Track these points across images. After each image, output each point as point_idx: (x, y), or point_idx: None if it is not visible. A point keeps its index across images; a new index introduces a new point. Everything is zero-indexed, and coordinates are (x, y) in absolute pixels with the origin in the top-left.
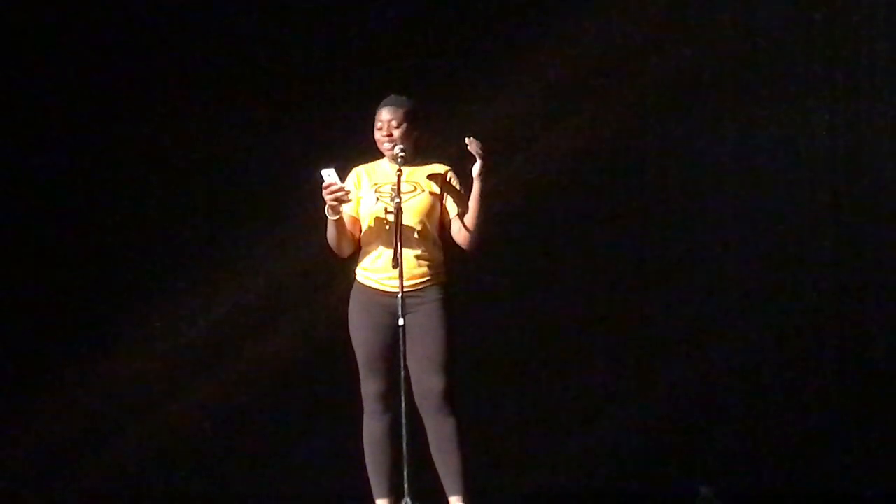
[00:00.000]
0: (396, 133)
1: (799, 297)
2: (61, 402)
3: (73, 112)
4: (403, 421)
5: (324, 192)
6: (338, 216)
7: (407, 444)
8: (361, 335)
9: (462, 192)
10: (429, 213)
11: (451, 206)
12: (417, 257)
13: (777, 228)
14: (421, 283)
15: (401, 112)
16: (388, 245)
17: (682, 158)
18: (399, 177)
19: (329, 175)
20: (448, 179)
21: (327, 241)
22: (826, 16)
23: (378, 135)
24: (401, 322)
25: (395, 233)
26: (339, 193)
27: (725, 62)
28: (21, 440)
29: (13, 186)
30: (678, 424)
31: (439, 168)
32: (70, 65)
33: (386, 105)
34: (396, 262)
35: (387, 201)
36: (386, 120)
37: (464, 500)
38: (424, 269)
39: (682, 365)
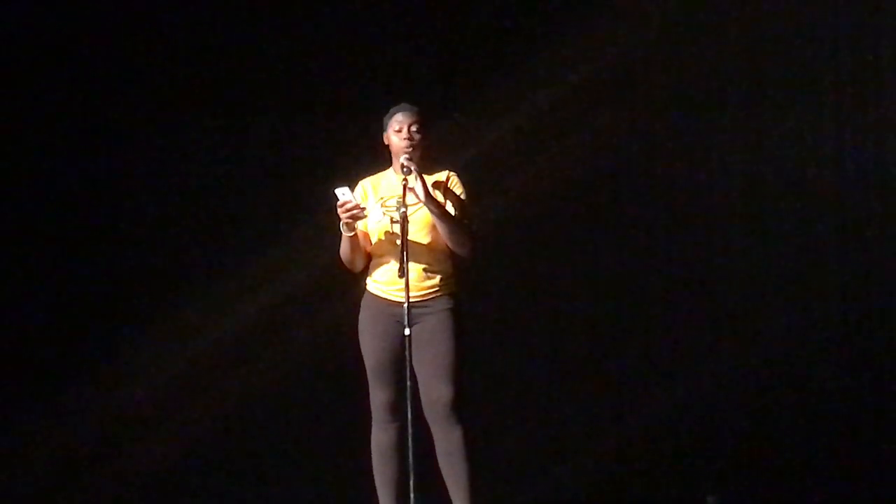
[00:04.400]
0: (417, 137)
1: (806, 307)
2: (68, 413)
3: (78, 123)
4: (410, 430)
5: (339, 210)
6: (353, 232)
7: (414, 454)
8: (370, 345)
9: (462, 196)
10: (435, 225)
11: (450, 211)
12: (426, 269)
13: (784, 238)
14: (430, 293)
15: (418, 116)
16: (396, 256)
17: (689, 169)
18: (405, 186)
19: (343, 194)
20: (449, 185)
21: (339, 256)
22: (834, 24)
23: (396, 138)
24: (407, 331)
25: (400, 243)
26: (354, 211)
27: (734, 71)
28: (27, 450)
29: (20, 195)
30: (685, 433)
31: (443, 176)
32: (81, 74)
33: (401, 110)
34: (402, 272)
35: (393, 213)
36: (406, 122)
37: None
38: (433, 280)
39: (690, 374)
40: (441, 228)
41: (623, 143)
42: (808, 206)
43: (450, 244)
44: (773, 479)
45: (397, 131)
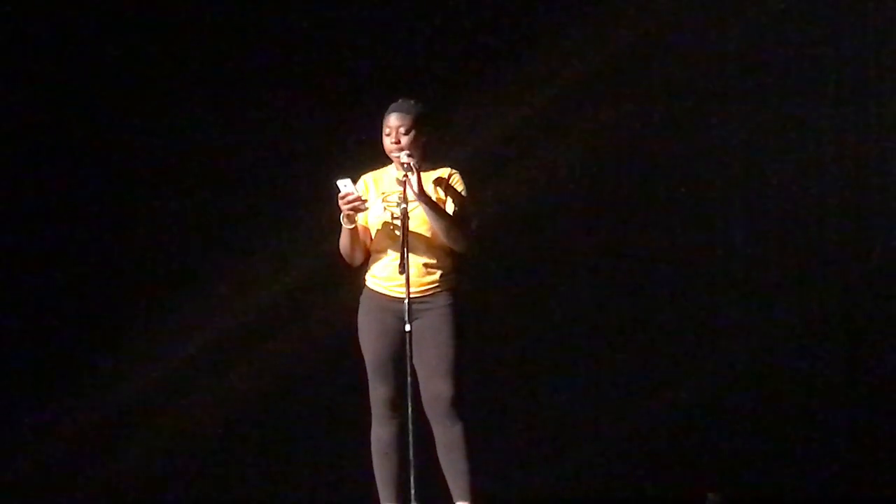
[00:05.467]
0: (405, 140)
1: (807, 301)
2: (66, 410)
3: (76, 120)
4: (410, 427)
5: (340, 202)
6: (353, 225)
7: (414, 450)
8: (370, 341)
9: (462, 194)
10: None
11: (450, 209)
12: (426, 265)
13: (784, 232)
14: (430, 289)
15: (409, 118)
16: (396, 252)
17: (688, 161)
18: (405, 183)
19: (345, 185)
20: (449, 182)
21: (339, 250)
22: (832, 17)
23: (386, 141)
24: (407, 328)
25: (401, 239)
26: (356, 203)
27: (731, 64)
28: (27, 447)
29: (20, 193)
30: (686, 430)
31: (445, 173)
32: (80, 71)
33: (394, 111)
34: (403, 268)
35: (394, 209)
36: (394, 126)
37: None
38: (433, 276)
39: (690, 371)
40: (435, 225)
41: (623, 140)
42: (808, 205)
43: (446, 241)
44: (774, 478)
45: (387, 135)
